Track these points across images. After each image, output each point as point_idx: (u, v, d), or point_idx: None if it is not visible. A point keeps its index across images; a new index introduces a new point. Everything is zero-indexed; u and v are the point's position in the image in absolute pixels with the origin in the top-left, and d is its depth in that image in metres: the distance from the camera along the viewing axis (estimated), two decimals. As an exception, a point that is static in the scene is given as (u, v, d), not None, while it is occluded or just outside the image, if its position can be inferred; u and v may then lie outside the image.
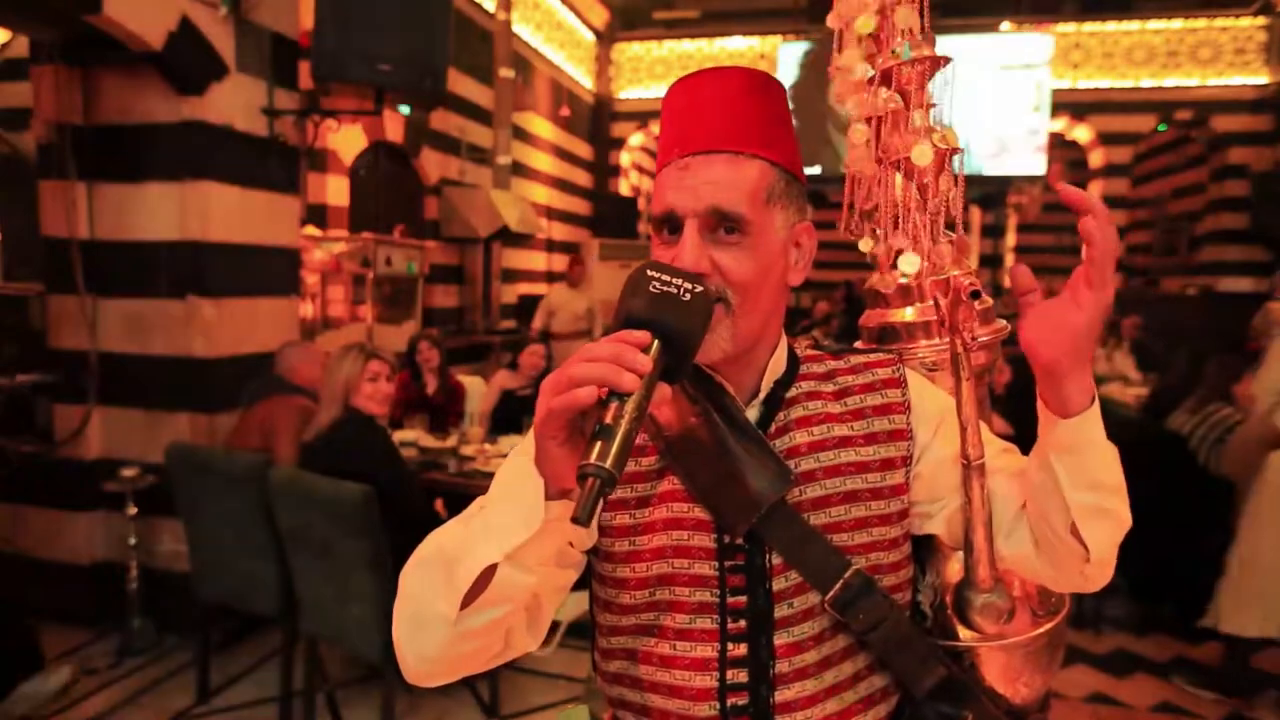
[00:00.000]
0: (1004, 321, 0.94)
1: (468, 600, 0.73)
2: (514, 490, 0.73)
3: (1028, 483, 0.86)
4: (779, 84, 0.87)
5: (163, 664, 3.14)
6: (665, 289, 0.70)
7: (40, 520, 3.47)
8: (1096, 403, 0.78)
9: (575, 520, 0.61)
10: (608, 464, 0.62)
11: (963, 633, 0.92)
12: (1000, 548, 0.88)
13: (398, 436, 3.46)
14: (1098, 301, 0.73)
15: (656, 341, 0.67)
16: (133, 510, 3.20)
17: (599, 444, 0.63)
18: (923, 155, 0.89)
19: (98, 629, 3.34)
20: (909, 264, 0.89)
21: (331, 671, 3.02)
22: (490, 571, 0.71)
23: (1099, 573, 0.85)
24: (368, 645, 2.41)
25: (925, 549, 0.97)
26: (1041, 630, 0.92)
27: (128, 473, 3.18)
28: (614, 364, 0.65)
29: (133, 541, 3.21)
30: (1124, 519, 0.83)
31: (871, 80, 0.97)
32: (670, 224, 0.82)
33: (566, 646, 2.93)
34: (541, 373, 4.34)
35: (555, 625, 2.99)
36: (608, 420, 0.64)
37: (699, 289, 0.71)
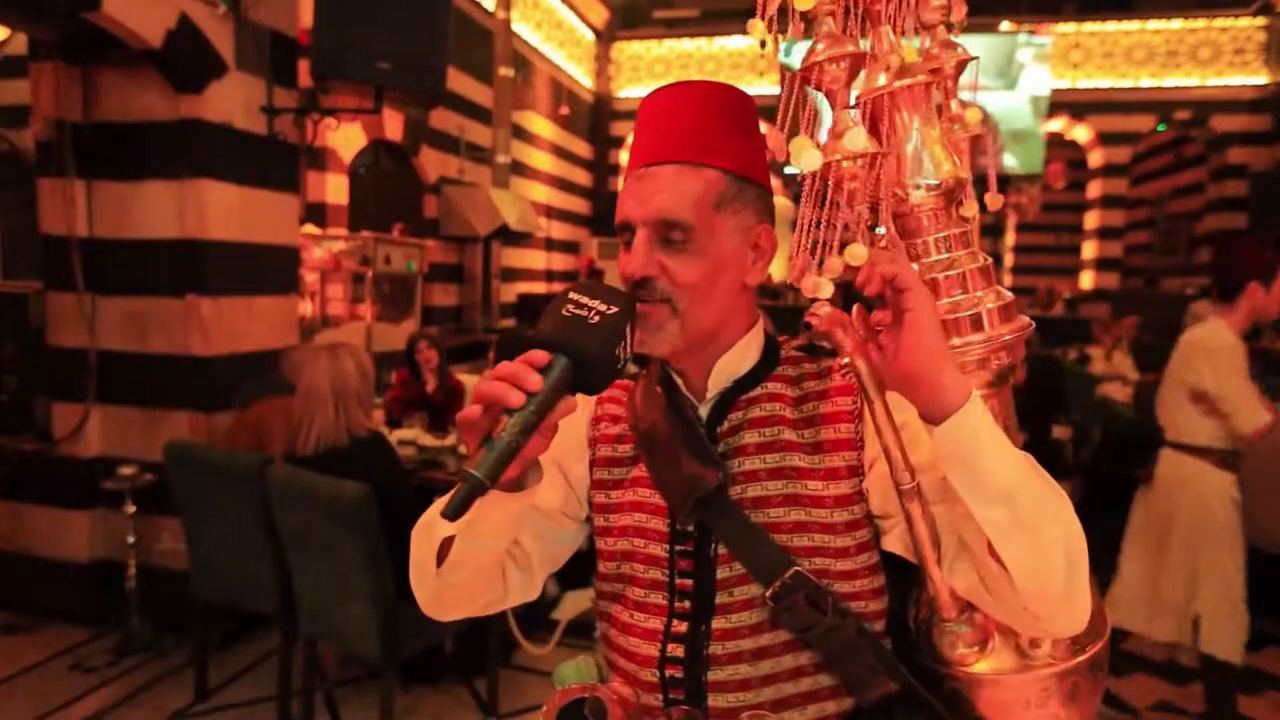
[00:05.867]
0: (1026, 318, 0.89)
1: (441, 561, 0.87)
2: None
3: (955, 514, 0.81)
4: (741, 94, 0.91)
5: (161, 662, 3.14)
6: (577, 312, 0.77)
7: (39, 518, 3.47)
8: (977, 396, 0.74)
9: (443, 515, 0.71)
10: (478, 471, 0.69)
11: (947, 657, 0.87)
12: (948, 579, 0.82)
13: (396, 436, 3.46)
14: (917, 299, 0.72)
15: (564, 360, 0.74)
16: (131, 509, 3.20)
17: (481, 452, 0.71)
18: (810, 160, 0.81)
19: (96, 627, 3.34)
20: (855, 255, 0.79)
21: (330, 670, 3.02)
22: (450, 541, 0.85)
23: (1046, 608, 0.74)
24: (366, 644, 2.40)
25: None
26: (1036, 673, 0.82)
27: (126, 471, 3.18)
28: (509, 383, 0.72)
29: (131, 540, 3.21)
30: (1047, 534, 0.72)
31: (805, 78, 0.88)
32: (625, 232, 0.89)
33: (566, 646, 2.94)
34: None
35: (555, 625, 2.99)
36: (495, 433, 0.72)
37: (611, 310, 0.77)
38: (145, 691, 2.95)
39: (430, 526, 0.87)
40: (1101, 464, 3.72)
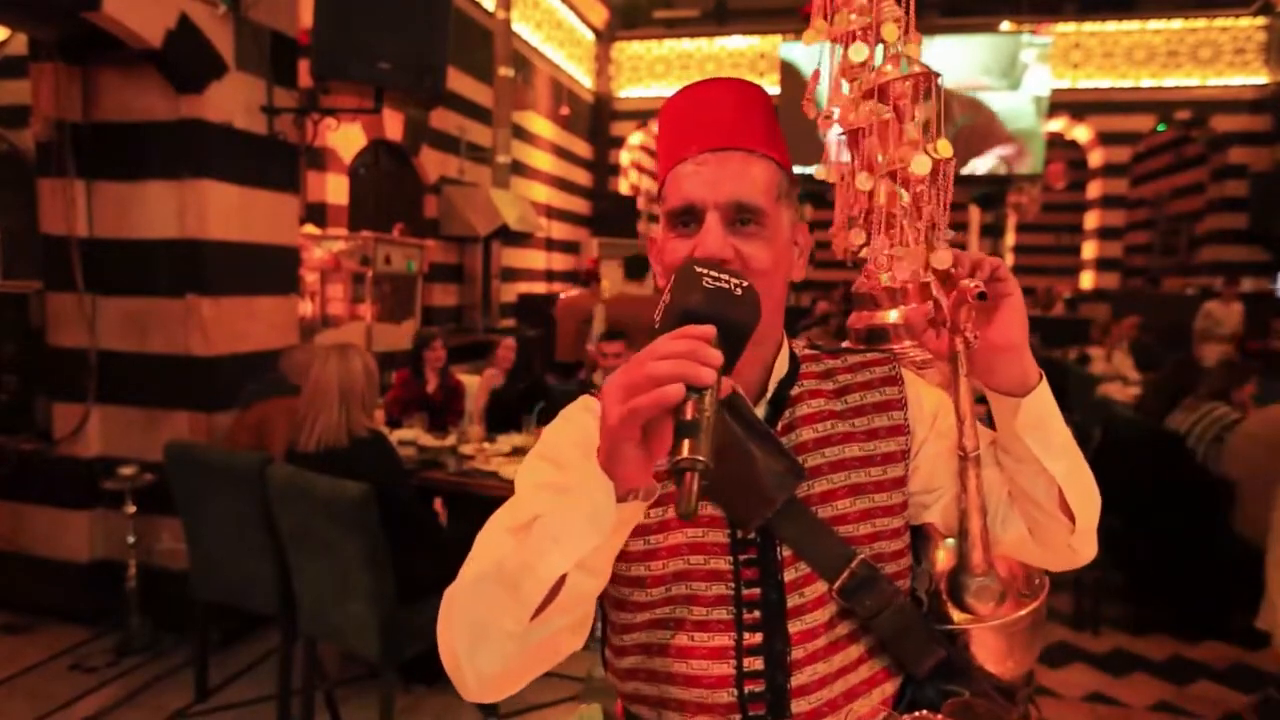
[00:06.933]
0: None
1: (536, 612, 0.72)
2: (572, 495, 0.71)
3: (1006, 475, 0.92)
4: (770, 97, 0.94)
5: (161, 662, 3.14)
6: (718, 284, 0.70)
7: (39, 518, 3.47)
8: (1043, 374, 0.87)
9: (683, 515, 0.60)
10: (704, 456, 0.61)
11: (956, 616, 0.96)
12: (997, 533, 0.93)
13: (397, 436, 3.46)
14: (1014, 285, 0.83)
15: (716, 335, 0.68)
16: (131, 508, 3.20)
17: (688, 440, 0.62)
18: (921, 165, 0.90)
19: (96, 627, 3.34)
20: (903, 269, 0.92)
21: (330, 670, 3.02)
22: (560, 581, 0.71)
23: (1084, 543, 0.91)
24: (366, 643, 2.40)
25: (918, 538, 1.01)
26: (1027, 611, 0.98)
27: (126, 471, 3.18)
28: (690, 359, 0.64)
29: (131, 540, 3.21)
30: (1095, 487, 0.90)
31: (869, 93, 0.96)
32: (688, 216, 0.86)
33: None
34: (513, 365, 4.43)
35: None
36: (689, 416, 0.63)
37: (747, 284, 0.72)
38: (145, 691, 2.95)
39: (521, 573, 0.71)
40: (1101, 464, 3.74)
